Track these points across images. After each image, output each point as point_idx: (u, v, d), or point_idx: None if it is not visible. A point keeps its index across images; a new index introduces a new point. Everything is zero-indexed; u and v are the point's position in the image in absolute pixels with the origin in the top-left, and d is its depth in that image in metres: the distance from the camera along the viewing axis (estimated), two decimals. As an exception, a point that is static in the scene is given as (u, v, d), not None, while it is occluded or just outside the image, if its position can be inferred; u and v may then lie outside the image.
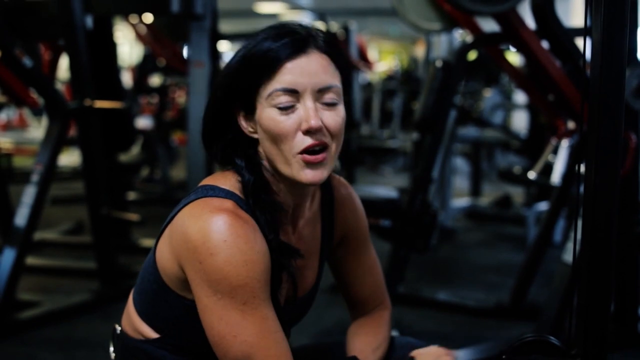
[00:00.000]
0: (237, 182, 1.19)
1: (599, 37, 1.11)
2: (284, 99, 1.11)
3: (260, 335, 1.09)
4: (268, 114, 1.12)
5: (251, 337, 1.09)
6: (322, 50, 1.13)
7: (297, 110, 1.12)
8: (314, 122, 1.10)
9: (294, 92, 1.11)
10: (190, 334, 1.20)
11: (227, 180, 1.20)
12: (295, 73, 1.11)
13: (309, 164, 1.13)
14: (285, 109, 1.11)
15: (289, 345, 1.13)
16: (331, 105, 1.14)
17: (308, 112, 1.11)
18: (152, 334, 1.23)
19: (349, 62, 1.30)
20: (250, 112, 1.16)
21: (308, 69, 1.11)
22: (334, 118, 1.14)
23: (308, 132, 1.11)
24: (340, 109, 1.15)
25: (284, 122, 1.11)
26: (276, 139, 1.13)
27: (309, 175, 1.14)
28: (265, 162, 1.20)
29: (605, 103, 1.12)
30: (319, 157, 1.13)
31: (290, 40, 1.11)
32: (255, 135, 1.18)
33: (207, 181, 1.22)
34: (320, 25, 6.97)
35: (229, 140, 1.21)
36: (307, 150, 1.12)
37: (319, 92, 1.12)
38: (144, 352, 1.24)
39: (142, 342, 1.24)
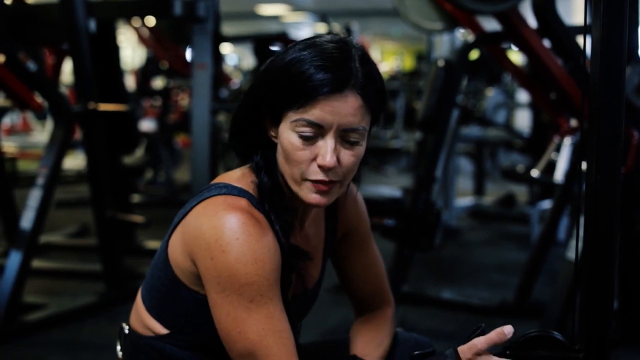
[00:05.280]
0: (251, 182, 1.21)
1: (598, 34, 1.12)
2: (308, 130, 1.12)
3: (263, 334, 1.11)
4: (289, 136, 1.14)
5: (254, 335, 1.11)
6: (358, 91, 1.12)
7: (317, 143, 1.13)
8: (328, 161, 1.12)
9: (319, 127, 1.12)
10: (201, 329, 1.21)
11: (239, 179, 1.22)
12: (326, 111, 1.11)
13: (317, 191, 1.15)
14: (307, 140, 1.13)
15: (294, 344, 1.14)
16: (352, 144, 1.15)
17: (327, 149, 1.12)
18: (162, 330, 1.25)
19: (383, 94, 1.27)
20: (275, 121, 1.18)
21: (339, 110, 1.11)
22: (350, 157, 1.15)
23: (321, 167, 1.13)
24: (360, 148, 1.16)
25: (302, 150, 1.13)
26: (291, 161, 1.15)
27: (315, 199, 1.16)
28: (280, 168, 1.21)
29: (605, 100, 1.12)
30: (326, 187, 1.15)
31: (333, 77, 1.10)
32: (276, 140, 1.19)
33: (220, 179, 1.24)
34: (323, 27, 6.97)
35: (253, 137, 1.22)
36: (318, 182, 1.14)
37: (344, 131, 1.13)
38: (154, 349, 1.26)
39: (151, 338, 1.26)
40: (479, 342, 1.13)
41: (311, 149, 1.13)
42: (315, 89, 1.10)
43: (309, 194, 1.16)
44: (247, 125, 1.22)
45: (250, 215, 1.13)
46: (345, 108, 1.11)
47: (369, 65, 1.16)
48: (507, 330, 1.13)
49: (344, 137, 1.14)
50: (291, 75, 1.12)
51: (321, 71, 1.11)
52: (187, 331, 1.23)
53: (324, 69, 1.11)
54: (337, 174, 1.15)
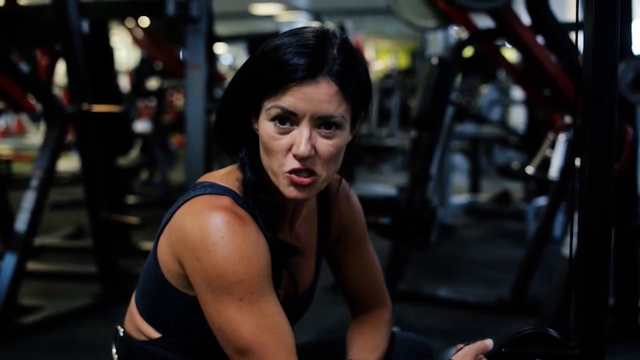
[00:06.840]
0: (236, 180, 1.20)
1: (590, 30, 1.12)
2: (282, 116, 1.11)
3: (257, 331, 1.10)
4: (266, 126, 1.13)
5: (247, 333, 1.10)
6: (333, 78, 1.10)
7: (292, 132, 1.11)
8: (302, 150, 1.10)
9: (292, 114, 1.10)
10: (192, 332, 1.21)
11: (225, 178, 1.21)
12: (298, 97, 1.09)
13: (295, 184, 1.13)
14: (282, 128, 1.11)
15: (292, 338, 1.14)
16: (329, 133, 1.12)
17: (301, 138, 1.10)
18: (155, 334, 1.24)
19: (366, 84, 1.23)
20: (256, 113, 1.17)
21: (311, 97, 1.09)
22: (328, 147, 1.12)
23: (296, 157, 1.11)
24: (339, 138, 1.13)
25: (277, 140, 1.12)
26: (268, 152, 1.14)
27: (293, 192, 1.14)
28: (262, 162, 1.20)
29: (597, 96, 1.12)
30: (305, 180, 1.13)
31: (305, 63, 1.09)
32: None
33: (205, 178, 1.23)
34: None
35: (238, 133, 1.21)
36: (294, 171, 1.12)
37: (319, 119, 1.11)
38: (147, 353, 1.25)
39: (145, 342, 1.25)
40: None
41: (287, 139, 1.11)
42: (288, 74, 1.09)
43: (287, 187, 1.14)
44: (231, 120, 1.21)
45: (234, 213, 1.12)
46: (317, 95, 1.09)
47: (348, 54, 1.13)
48: (488, 342, 1.25)
49: (320, 125, 1.11)
50: (267, 62, 1.12)
51: (295, 57, 1.09)
52: (178, 334, 1.22)
53: (298, 55, 1.10)
54: (315, 163, 1.12)
